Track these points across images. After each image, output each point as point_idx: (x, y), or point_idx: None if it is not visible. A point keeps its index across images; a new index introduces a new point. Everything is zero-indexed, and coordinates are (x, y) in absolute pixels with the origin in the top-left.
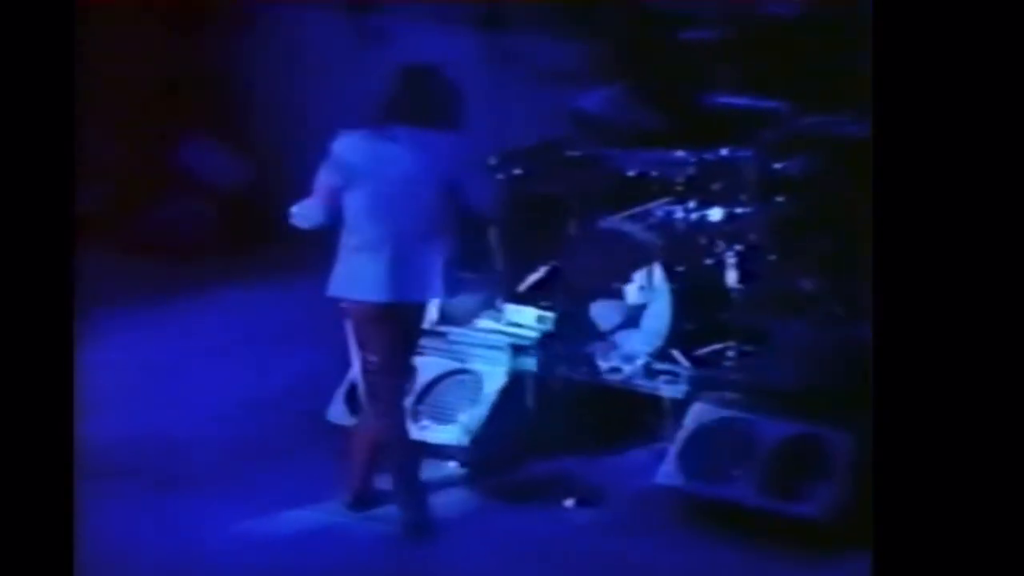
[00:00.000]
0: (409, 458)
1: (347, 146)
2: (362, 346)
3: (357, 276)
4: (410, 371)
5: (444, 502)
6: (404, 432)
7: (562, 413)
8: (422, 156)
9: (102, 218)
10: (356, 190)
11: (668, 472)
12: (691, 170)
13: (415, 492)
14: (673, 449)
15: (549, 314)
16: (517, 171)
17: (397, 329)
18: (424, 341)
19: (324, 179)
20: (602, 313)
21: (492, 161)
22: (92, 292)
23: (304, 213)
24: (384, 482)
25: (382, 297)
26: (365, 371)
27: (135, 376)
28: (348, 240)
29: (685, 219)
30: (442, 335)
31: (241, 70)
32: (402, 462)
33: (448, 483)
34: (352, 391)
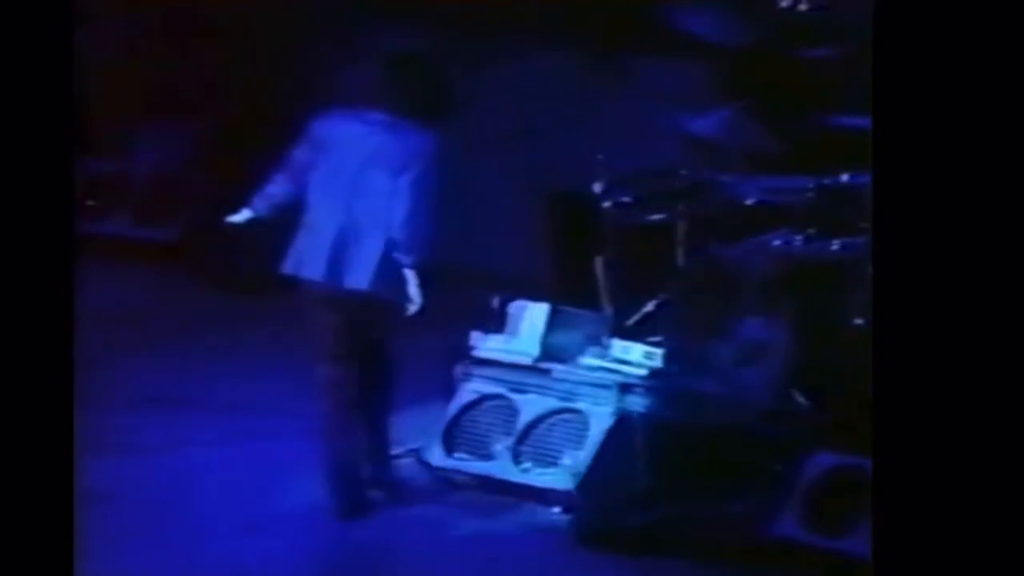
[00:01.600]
0: (346, 451)
1: (321, 122)
2: (311, 334)
3: (302, 253)
4: (351, 364)
5: (546, 551)
6: (343, 425)
7: (672, 456)
8: (387, 143)
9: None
10: (320, 166)
11: (786, 523)
12: (810, 197)
13: (350, 479)
14: (792, 498)
15: (658, 350)
16: (625, 198)
17: (337, 316)
18: (526, 378)
19: (294, 153)
20: (716, 350)
21: (598, 187)
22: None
23: (264, 193)
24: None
25: (316, 275)
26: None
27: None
28: (302, 217)
29: (805, 249)
30: (545, 372)
31: None
32: (338, 452)
33: (551, 530)
34: (449, 430)
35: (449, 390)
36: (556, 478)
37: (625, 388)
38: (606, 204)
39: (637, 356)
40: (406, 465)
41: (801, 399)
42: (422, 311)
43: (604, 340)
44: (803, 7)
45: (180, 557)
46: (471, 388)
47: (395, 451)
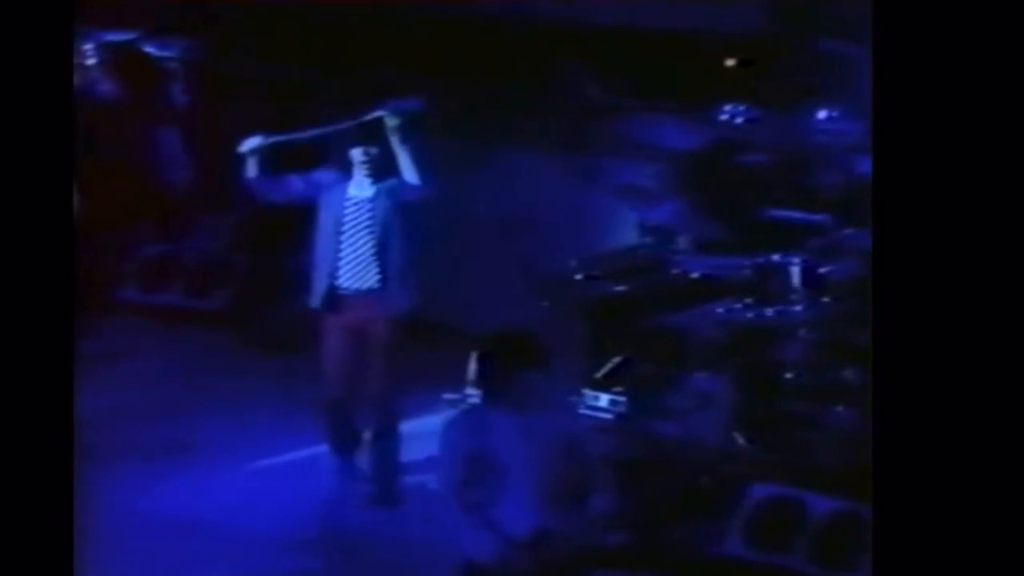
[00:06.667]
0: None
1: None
2: None
3: None
4: None
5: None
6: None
7: (635, 487)
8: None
9: None
10: None
11: (731, 543)
12: (747, 273)
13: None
14: (735, 522)
15: (622, 399)
16: (595, 273)
17: None
18: None
19: None
20: (670, 399)
21: (573, 263)
22: None
23: None
24: None
25: None
26: None
27: None
28: None
29: (743, 315)
30: None
31: None
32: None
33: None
34: None
35: None
36: None
37: (597, 430)
38: (578, 277)
39: (605, 403)
40: None
41: (741, 440)
42: None
43: (578, 390)
44: (739, 120)
45: None
46: None
47: None
